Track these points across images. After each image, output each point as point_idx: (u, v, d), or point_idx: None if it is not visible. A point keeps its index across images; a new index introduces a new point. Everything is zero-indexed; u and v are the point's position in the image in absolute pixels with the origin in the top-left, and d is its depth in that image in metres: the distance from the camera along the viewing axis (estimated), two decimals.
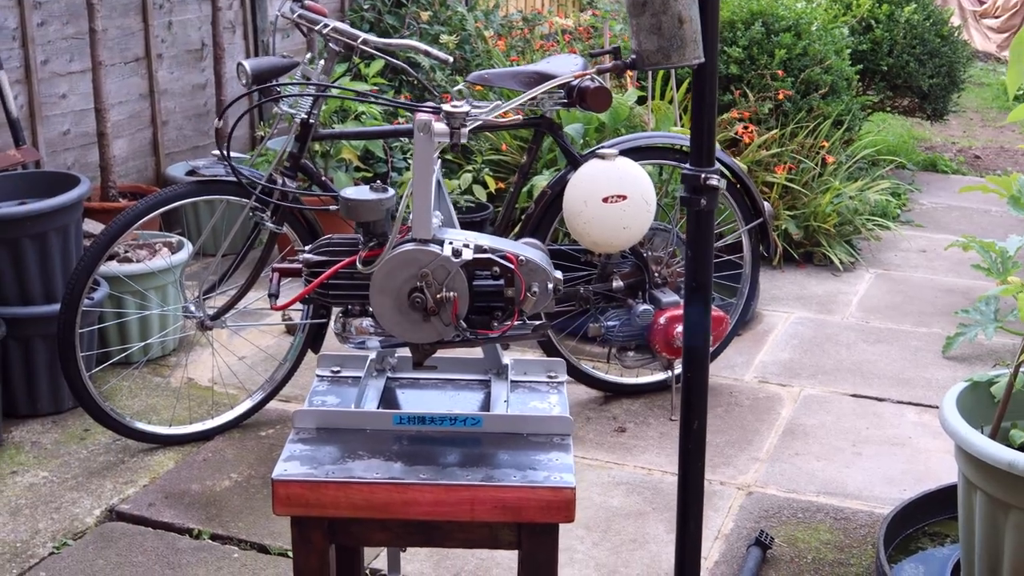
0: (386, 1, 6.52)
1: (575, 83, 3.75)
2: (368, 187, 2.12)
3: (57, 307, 3.65)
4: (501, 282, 2.07)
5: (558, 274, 2.12)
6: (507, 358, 2.31)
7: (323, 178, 3.87)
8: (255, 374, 4.21)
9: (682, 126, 5.08)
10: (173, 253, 4.53)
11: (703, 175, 2.19)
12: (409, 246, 2.06)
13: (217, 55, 5.63)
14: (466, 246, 2.07)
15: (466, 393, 2.26)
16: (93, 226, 4.52)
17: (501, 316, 2.10)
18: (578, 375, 4.22)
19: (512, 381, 2.29)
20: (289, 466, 1.95)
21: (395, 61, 3.23)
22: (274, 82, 3.62)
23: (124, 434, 3.79)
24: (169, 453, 3.82)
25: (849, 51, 6.22)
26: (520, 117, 4.12)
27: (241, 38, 6.07)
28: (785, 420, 4.08)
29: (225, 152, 2.29)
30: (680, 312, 3.96)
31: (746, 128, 5.34)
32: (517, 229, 4.03)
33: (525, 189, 4.74)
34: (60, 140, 5.09)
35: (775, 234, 5.43)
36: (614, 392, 4.27)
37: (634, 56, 2.12)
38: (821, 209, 5.53)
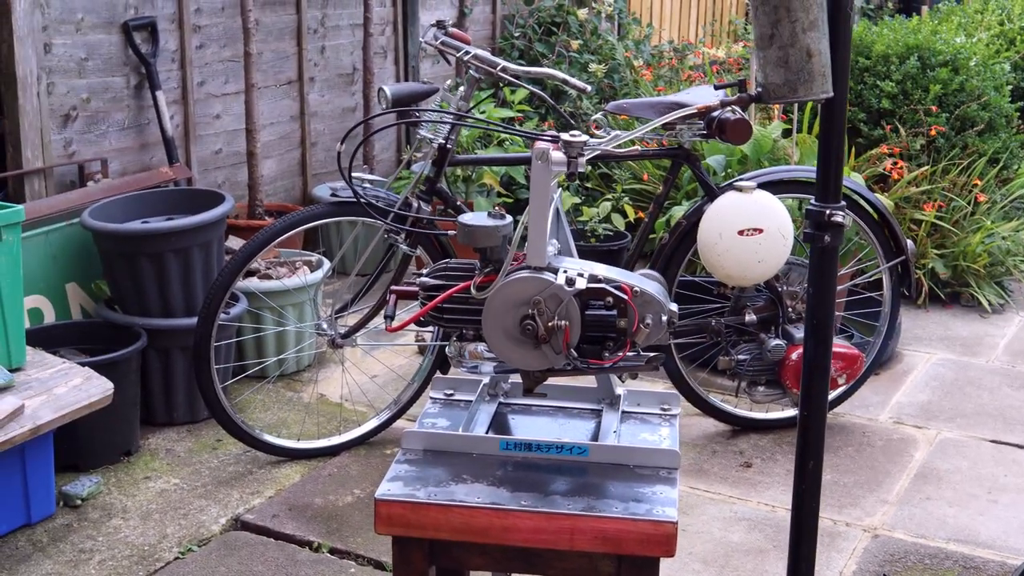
0: (536, 29, 6.58)
1: (715, 114, 3.71)
2: (487, 213, 2.13)
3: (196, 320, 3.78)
4: (614, 312, 2.06)
5: (673, 307, 2.10)
6: (620, 388, 2.30)
7: (460, 203, 3.91)
8: (384, 393, 4.27)
9: None
10: (312, 271, 4.63)
11: (828, 211, 2.15)
12: (523, 273, 2.06)
13: (367, 79, 5.76)
14: (580, 275, 2.06)
15: (576, 422, 2.25)
16: (238, 243, 4.66)
17: (613, 346, 2.08)
18: (706, 408, 4.17)
19: (624, 412, 2.27)
20: (393, 486, 1.97)
21: (532, 88, 3.25)
22: (413, 107, 3.68)
23: (253, 446, 3.89)
24: (296, 467, 3.90)
25: (1010, 88, 6.02)
26: (657, 147, 4.11)
27: (392, 63, 6.20)
28: (918, 463, 3.96)
29: (347, 176, 2.33)
30: None
31: (896, 164, 5.20)
32: (652, 259, 4.01)
33: (663, 219, 4.72)
34: (212, 159, 5.27)
35: (920, 273, 5.28)
36: (742, 426, 4.21)
37: (760, 89, 2.09)
38: (971, 248, 5.35)
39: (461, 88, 3.76)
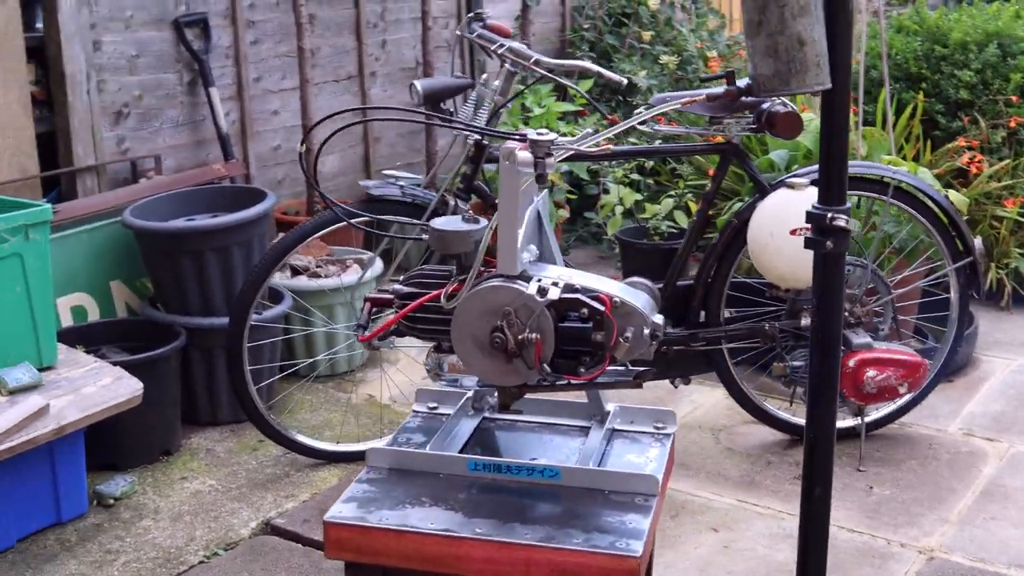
0: (607, 20, 6.41)
1: (765, 107, 3.53)
2: (461, 217, 2.01)
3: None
4: (590, 325, 1.92)
5: (658, 319, 1.95)
6: (611, 405, 2.15)
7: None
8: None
9: (902, 157, 4.75)
10: (364, 270, 4.55)
11: (830, 214, 1.97)
12: (494, 282, 1.94)
13: (427, 73, 5.66)
14: (555, 284, 1.93)
15: (561, 440, 2.12)
16: None
17: (590, 361, 1.94)
18: (761, 415, 3.99)
19: (615, 430, 2.13)
20: (345, 508, 1.86)
21: (564, 81, 3.11)
22: (444, 103, 3.56)
23: (289, 447, 3.82)
24: (335, 470, 3.82)
25: None
26: (705, 143, 3.93)
27: (458, 56, 6.09)
28: (986, 479, 3.71)
29: (312, 179, 2.22)
30: (873, 355, 3.69)
31: (974, 158, 4.92)
32: (701, 260, 3.83)
33: (723, 217, 4.53)
34: (271, 155, 5.22)
35: (1003, 273, 4.99)
36: (799, 436, 4.00)
37: (749, 81, 1.93)
38: None
39: (496, 82, 3.63)
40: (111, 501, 3.61)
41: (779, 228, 3.59)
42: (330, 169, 5.45)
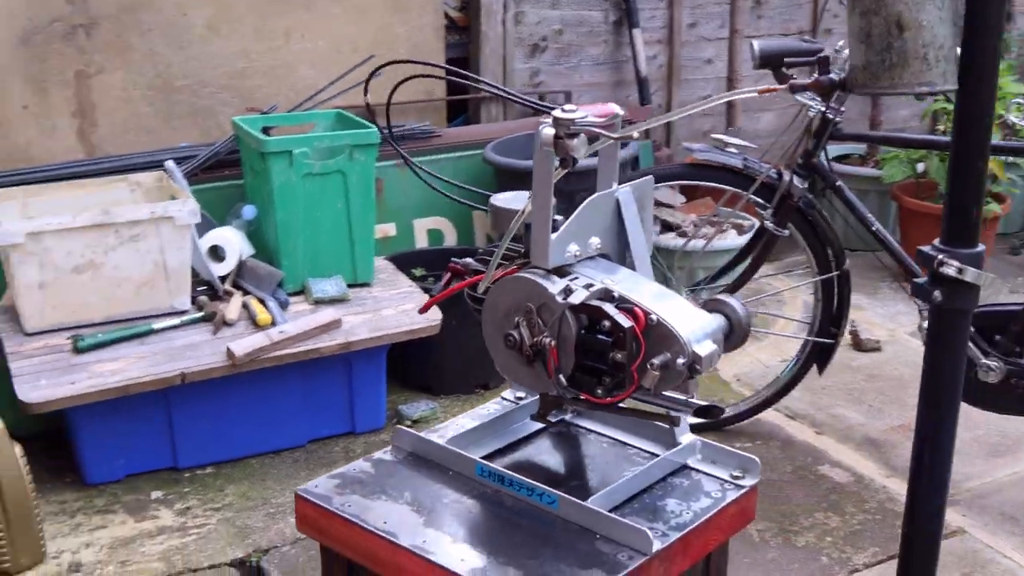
0: None
1: None
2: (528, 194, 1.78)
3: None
4: (610, 341, 1.62)
5: (707, 349, 1.61)
6: (688, 437, 1.83)
7: (841, 184, 3.35)
8: (764, 380, 3.83)
9: None
10: (740, 236, 4.27)
11: (940, 257, 1.51)
12: (522, 273, 1.70)
13: None
14: (588, 286, 1.65)
15: (619, 463, 1.83)
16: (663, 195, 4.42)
17: (609, 383, 1.65)
18: None
19: (685, 466, 1.81)
20: (324, 484, 1.75)
21: None
22: (787, 68, 3.19)
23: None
24: None
25: None
26: None
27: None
28: None
29: (385, 123, 2.06)
30: None
31: None
32: None
33: None
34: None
35: None
36: None
37: (843, 73, 1.51)
38: None
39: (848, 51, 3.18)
40: (408, 422, 3.70)
41: None
42: (764, 126, 5.14)
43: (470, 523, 1.66)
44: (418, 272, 4.00)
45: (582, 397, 1.68)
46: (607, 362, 1.63)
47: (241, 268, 3.60)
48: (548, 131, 1.61)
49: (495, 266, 1.73)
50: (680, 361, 1.60)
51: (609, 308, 1.62)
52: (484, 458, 1.82)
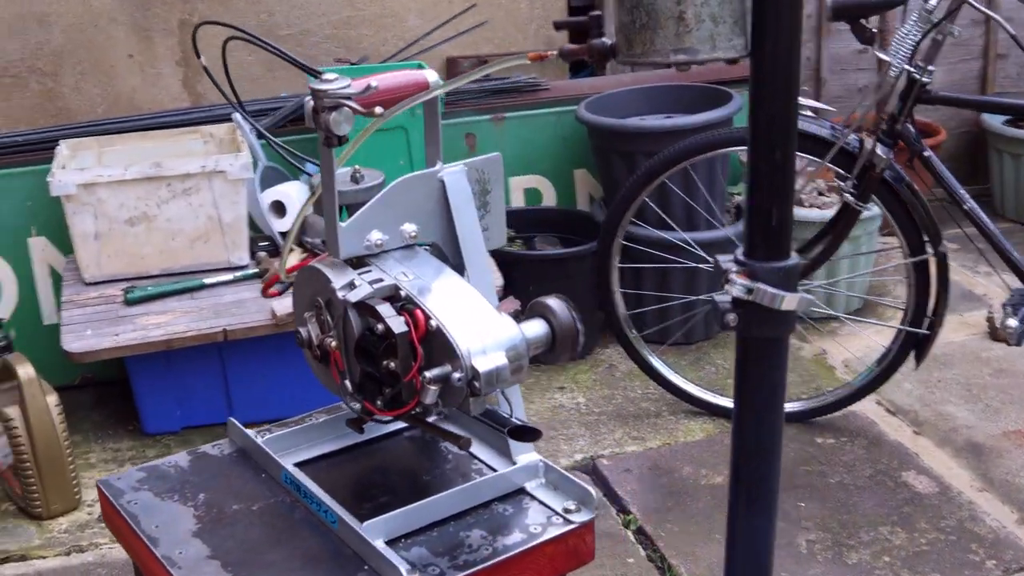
0: None
1: None
2: (351, 175, 1.60)
3: (699, 235, 3.50)
4: (382, 346, 1.42)
5: (489, 364, 1.38)
6: (529, 456, 1.60)
7: (929, 153, 2.95)
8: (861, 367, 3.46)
9: None
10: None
11: (728, 273, 1.23)
12: (315, 262, 1.52)
13: None
14: (376, 281, 1.46)
15: (452, 480, 1.63)
16: None
17: (386, 395, 1.45)
18: None
19: (522, 489, 1.59)
20: (130, 476, 1.64)
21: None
22: (866, 20, 2.81)
23: (658, 383, 3.45)
24: (709, 424, 3.39)
25: None
26: None
27: None
28: None
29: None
30: None
31: None
32: None
33: None
34: (851, 58, 4.56)
35: None
36: None
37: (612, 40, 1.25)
38: None
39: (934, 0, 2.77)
40: None
41: None
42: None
43: (242, 535, 1.51)
44: (510, 232, 3.82)
45: (366, 407, 1.49)
46: (381, 371, 1.43)
47: (304, 224, 3.52)
48: (310, 103, 1.41)
49: (287, 255, 1.56)
50: (457, 376, 1.38)
51: (384, 309, 1.42)
52: (311, 461, 1.66)
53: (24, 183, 3.48)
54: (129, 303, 3.26)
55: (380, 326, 1.42)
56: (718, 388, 3.46)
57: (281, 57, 1.55)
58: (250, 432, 1.69)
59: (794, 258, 1.24)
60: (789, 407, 3.33)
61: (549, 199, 4.00)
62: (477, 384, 1.38)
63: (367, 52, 4.08)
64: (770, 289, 1.21)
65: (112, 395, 3.56)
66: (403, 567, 1.38)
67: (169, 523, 1.54)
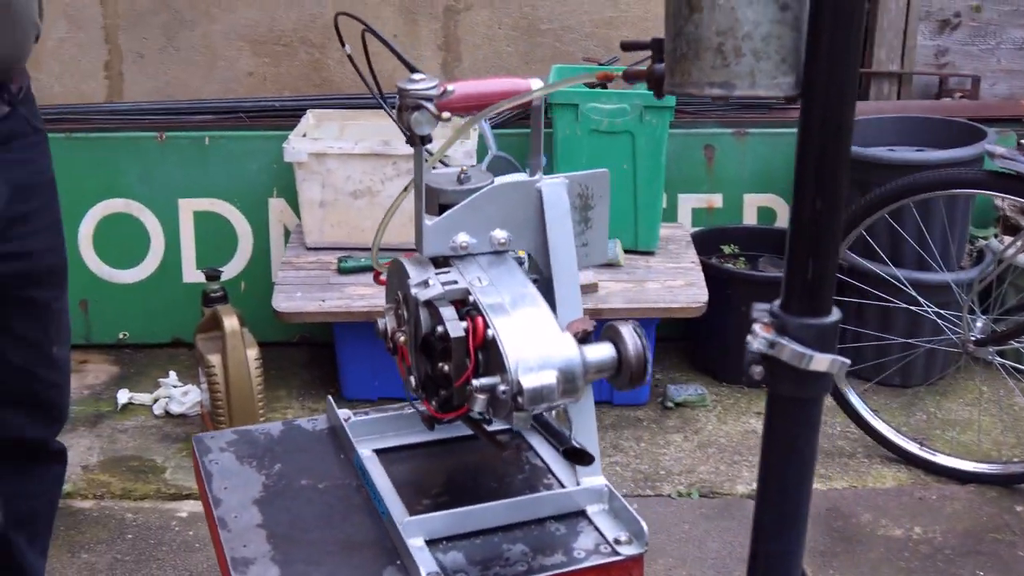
0: None
1: None
2: (458, 175, 1.60)
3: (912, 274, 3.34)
4: (441, 349, 1.43)
5: (536, 381, 1.36)
6: (593, 480, 1.57)
7: None
8: None
9: None
10: None
11: (755, 327, 1.17)
12: (402, 257, 1.54)
13: None
14: (451, 283, 1.46)
15: (519, 490, 1.62)
16: None
17: (441, 396, 1.46)
18: None
19: (582, 512, 1.56)
20: (222, 436, 1.73)
21: None
22: None
23: (862, 428, 3.29)
24: (902, 474, 3.21)
25: None
26: None
27: None
28: None
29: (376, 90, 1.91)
30: None
31: None
32: None
33: None
34: None
35: None
36: None
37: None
38: None
39: None
40: (670, 403, 3.51)
41: None
42: None
43: (298, 510, 1.56)
44: (728, 249, 3.74)
45: (426, 407, 1.50)
46: (436, 372, 1.44)
47: None
48: (398, 103, 1.42)
49: (377, 248, 1.58)
50: (503, 388, 1.37)
51: (447, 312, 1.43)
52: (390, 450, 1.69)
53: (273, 146, 3.67)
54: (342, 272, 3.39)
55: (440, 328, 1.42)
56: (922, 437, 3.26)
57: (390, 50, 1.56)
58: (342, 412, 1.73)
59: (834, 315, 1.15)
60: (992, 468, 3.12)
61: (783, 220, 3.88)
62: (520, 399, 1.36)
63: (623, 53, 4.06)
64: (797, 347, 1.13)
65: (323, 357, 3.72)
66: (424, 568, 1.39)
67: (237, 487, 1.60)
